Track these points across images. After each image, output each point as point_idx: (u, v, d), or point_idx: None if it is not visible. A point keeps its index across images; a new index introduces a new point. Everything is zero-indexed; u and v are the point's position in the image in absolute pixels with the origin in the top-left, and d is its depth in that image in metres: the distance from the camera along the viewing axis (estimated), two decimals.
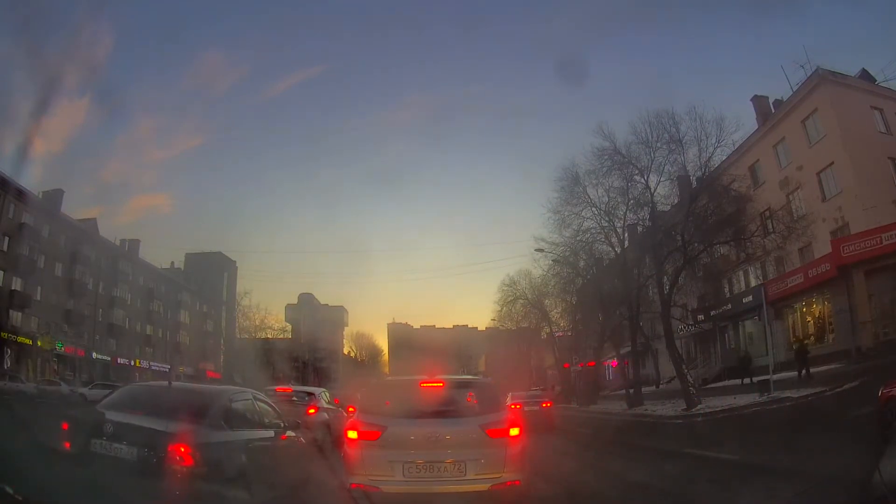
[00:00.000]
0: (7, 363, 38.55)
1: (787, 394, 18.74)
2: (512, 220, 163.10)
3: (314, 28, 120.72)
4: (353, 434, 6.19)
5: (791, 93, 30.08)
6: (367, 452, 5.99)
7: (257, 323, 66.02)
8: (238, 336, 69.50)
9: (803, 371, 21.47)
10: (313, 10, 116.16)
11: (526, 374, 53.86)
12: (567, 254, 31.52)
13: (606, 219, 26.89)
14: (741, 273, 32.55)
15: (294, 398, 13.17)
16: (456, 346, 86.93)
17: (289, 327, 77.78)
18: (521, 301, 45.77)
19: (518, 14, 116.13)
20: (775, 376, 20.82)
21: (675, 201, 25.63)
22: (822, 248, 26.88)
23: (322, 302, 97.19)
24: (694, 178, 23.94)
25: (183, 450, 5.16)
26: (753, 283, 31.47)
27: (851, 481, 5.72)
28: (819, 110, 28.09)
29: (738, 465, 9.43)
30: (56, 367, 45.00)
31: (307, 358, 68.69)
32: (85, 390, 30.88)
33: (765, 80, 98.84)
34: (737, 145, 27.14)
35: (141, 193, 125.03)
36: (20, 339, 41.32)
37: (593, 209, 26.83)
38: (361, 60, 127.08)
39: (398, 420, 6.19)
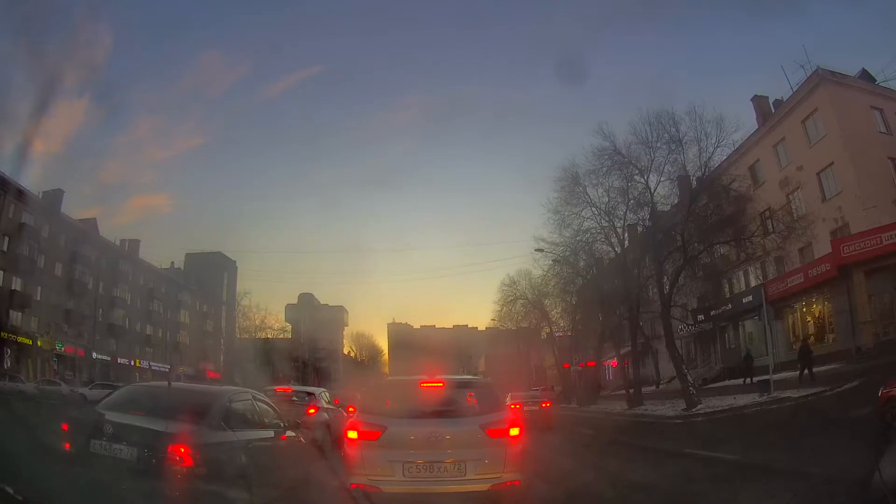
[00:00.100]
0: (7, 363, 38.55)
1: (788, 394, 18.75)
2: (512, 220, 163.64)
3: (313, 28, 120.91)
4: (353, 434, 6.19)
5: (791, 93, 30.13)
6: (367, 452, 5.99)
7: (257, 323, 66.19)
8: (238, 336, 69.55)
9: (805, 371, 21.42)
10: (313, 10, 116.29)
11: (526, 374, 53.83)
12: (567, 254, 31.53)
13: (606, 219, 26.93)
14: (741, 273, 32.56)
15: (294, 398, 13.17)
16: (456, 346, 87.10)
17: (289, 327, 77.91)
18: (521, 301, 45.84)
19: (518, 14, 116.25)
20: (777, 376, 20.83)
21: (675, 201, 25.64)
22: (822, 248, 26.88)
23: (322, 302, 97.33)
24: (694, 178, 23.94)
25: (183, 450, 5.16)
26: (753, 283, 31.48)
27: (851, 481, 5.72)
28: (819, 110, 28.10)
29: (738, 465, 9.42)
30: (56, 367, 44.98)
31: (307, 358, 68.80)
32: (85, 390, 30.87)
33: (765, 80, 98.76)
34: (737, 145, 27.18)
35: (141, 193, 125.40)
36: (20, 339, 41.33)
37: (593, 209, 26.87)
38: (361, 60, 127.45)
39: (398, 420, 6.20)
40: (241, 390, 7.77)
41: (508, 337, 54.77)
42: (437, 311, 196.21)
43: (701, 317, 36.30)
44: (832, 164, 27.35)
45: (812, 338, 27.08)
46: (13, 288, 41.59)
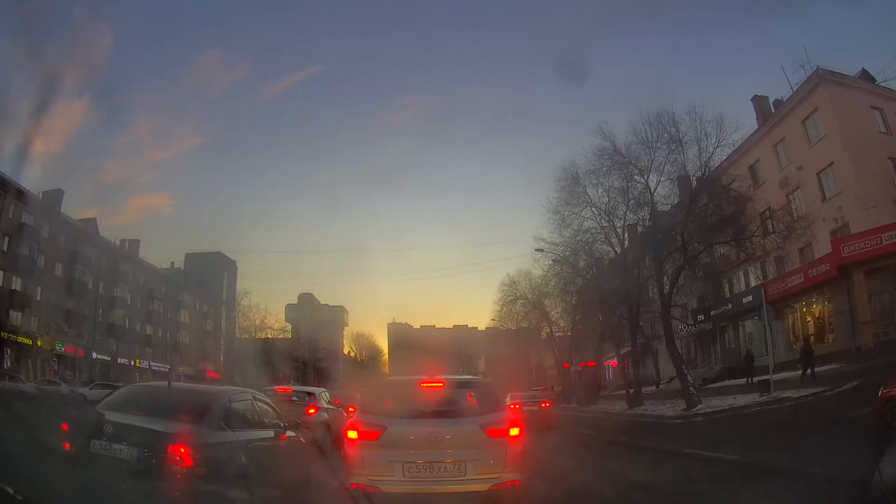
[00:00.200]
0: (7, 363, 38.55)
1: (788, 394, 18.75)
2: (512, 220, 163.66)
3: (313, 28, 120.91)
4: (353, 434, 6.19)
5: (791, 93, 30.13)
6: (367, 452, 5.99)
7: (257, 323, 66.19)
8: (238, 336, 69.55)
9: (808, 371, 21.40)
10: (313, 10, 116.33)
11: (526, 374, 53.84)
12: (567, 254, 31.53)
13: (606, 219, 26.94)
14: (741, 273, 32.56)
15: (294, 398, 13.16)
16: (456, 346, 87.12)
17: (289, 327, 77.92)
18: (521, 301, 45.85)
19: (518, 14, 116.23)
20: (777, 376, 20.84)
21: (675, 201, 25.64)
22: (822, 248, 26.89)
23: (322, 302, 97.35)
24: (694, 178, 23.94)
25: (183, 450, 5.16)
26: (753, 283, 31.48)
27: (851, 481, 5.72)
28: (819, 110, 28.10)
29: (738, 465, 9.42)
30: (56, 367, 44.98)
31: (307, 358, 68.79)
32: (85, 390, 30.87)
33: (765, 80, 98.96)
34: (737, 145, 27.18)
35: (141, 193, 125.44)
36: (20, 339, 41.32)
37: (593, 209, 26.87)
38: (361, 60, 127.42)
39: (398, 420, 6.20)
40: (241, 390, 7.76)
41: (508, 337, 54.77)
42: (437, 311, 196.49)
43: (701, 317, 36.31)
44: (832, 164, 27.36)
45: (812, 338, 27.10)
46: (13, 288, 41.58)
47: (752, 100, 33.82)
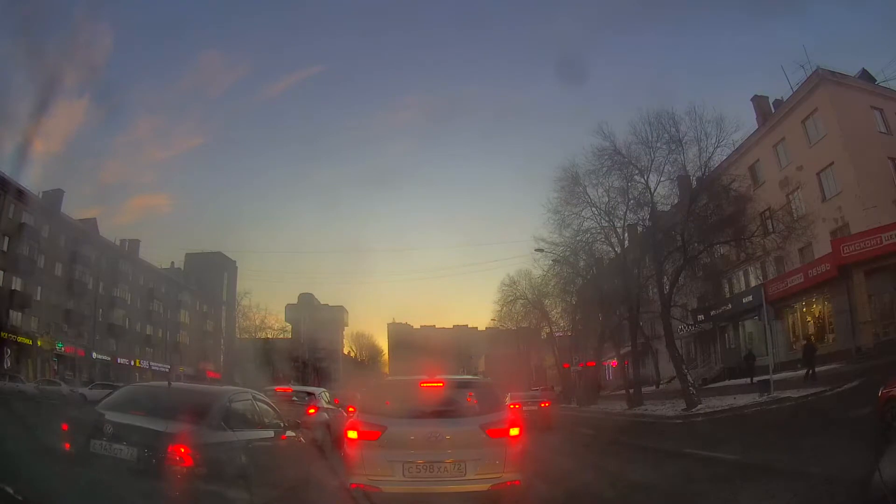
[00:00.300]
0: (7, 363, 38.54)
1: (788, 394, 18.74)
2: (512, 220, 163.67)
3: (313, 28, 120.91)
4: (353, 434, 6.19)
5: (791, 93, 30.13)
6: (367, 452, 5.99)
7: (257, 323, 66.19)
8: (238, 336, 69.55)
9: (810, 370, 21.39)
10: (313, 10, 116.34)
11: (526, 374, 53.84)
12: (567, 254, 31.53)
13: (606, 219, 26.93)
14: (741, 273, 32.56)
15: (294, 398, 13.16)
16: (456, 346, 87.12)
17: (289, 327, 77.92)
18: (521, 301, 45.85)
19: (518, 14, 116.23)
20: (777, 376, 20.84)
21: (675, 201, 25.64)
22: (822, 248, 26.88)
23: (322, 302, 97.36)
24: (694, 178, 23.94)
25: (183, 450, 5.16)
26: (753, 283, 31.47)
27: (851, 481, 5.72)
28: (819, 110, 28.10)
29: (738, 465, 9.42)
30: (56, 367, 44.99)
31: (307, 358, 68.79)
32: (85, 390, 30.87)
33: (765, 80, 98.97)
34: (737, 145, 27.18)
35: (141, 193, 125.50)
36: (20, 339, 41.32)
37: (593, 209, 26.87)
38: (361, 60, 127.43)
39: (398, 420, 6.20)
40: (241, 390, 7.77)
41: (508, 337, 54.77)
42: (437, 311, 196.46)
43: (701, 317, 36.31)
44: (832, 164, 27.35)
45: (812, 338, 27.09)
46: (13, 288, 41.58)
47: (752, 100, 33.83)
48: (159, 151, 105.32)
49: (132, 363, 57.10)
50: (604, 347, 38.57)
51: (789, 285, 28.61)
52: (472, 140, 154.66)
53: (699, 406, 21.11)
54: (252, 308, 67.37)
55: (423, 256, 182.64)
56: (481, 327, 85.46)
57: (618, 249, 27.80)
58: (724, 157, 25.75)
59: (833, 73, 28.04)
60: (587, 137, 50.29)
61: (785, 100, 30.98)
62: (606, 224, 27.15)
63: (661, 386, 37.30)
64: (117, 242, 58.72)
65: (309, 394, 13.99)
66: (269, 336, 66.55)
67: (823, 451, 8.89)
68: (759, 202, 25.84)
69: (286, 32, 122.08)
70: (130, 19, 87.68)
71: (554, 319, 44.71)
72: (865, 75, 29.68)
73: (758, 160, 32.65)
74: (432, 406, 6.38)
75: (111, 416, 5.64)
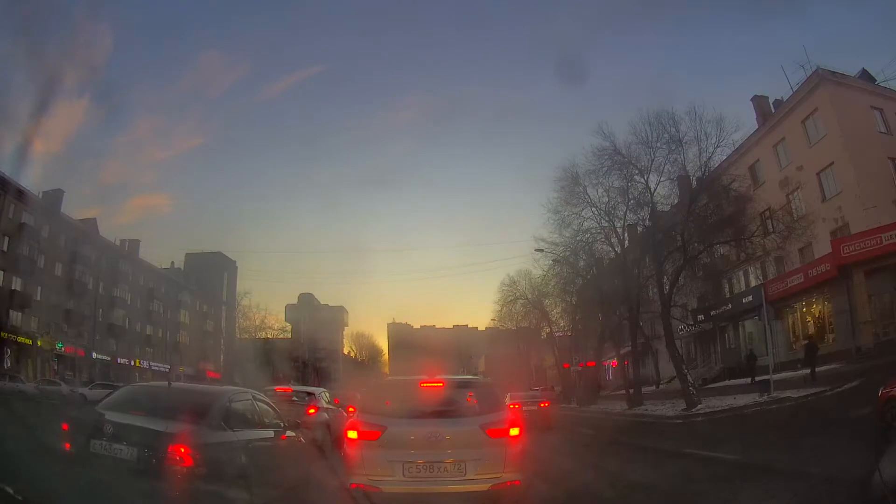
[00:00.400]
0: (7, 363, 38.54)
1: (788, 394, 18.74)
2: (512, 220, 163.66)
3: (313, 28, 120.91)
4: (353, 434, 6.19)
5: (791, 93, 30.12)
6: (367, 452, 5.99)
7: (257, 323, 66.20)
8: (238, 336, 69.55)
9: (814, 368, 21.36)
10: (313, 10, 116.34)
11: (526, 374, 53.83)
12: (567, 254, 31.54)
13: (606, 219, 26.94)
14: (741, 273, 32.56)
15: (294, 398, 13.16)
16: (456, 346, 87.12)
17: (289, 327, 77.92)
18: (521, 301, 45.86)
19: (518, 14, 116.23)
20: (777, 376, 20.84)
21: (675, 201, 25.64)
22: (822, 248, 26.88)
23: (322, 302, 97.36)
24: (694, 178, 23.95)
25: (183, 450, 5.16)
26: (753, 283, 31.47)
27: (851, 481, 5.72)
28: (819, 110, 28.09)
29: (738, 465, 9.42)
30: (56, 367, 44.98)
31: (307, 358, 68.79)
32: (85, 390, 30.87)
33: (765, 80, 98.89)
34: (737, 145, 27.18)
35: (141, 193, 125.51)
36: (20, 339, 41.32)
37: (593, 209, 26.88)
38: (361, 60, 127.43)
39: (398, 420, 6.20)
40: (241, 390, 7.77)
41: (508, 337, 54.76)
42: (437, 311, 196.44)
43: (701, 317, 36.30)
44: (832, 164, 27.35)
45: (812, 337, 27.07)
46: (13, 288, 41.58)
47: (752, 100, 33.83)
48: (159, 151, 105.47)
49: (132, 363, 57.09)
50: (604, 347, 38.57)
51: (789, 285, 28.61)
52: (472, 140, 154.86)
53: (699, 406, 21.10)
54: (252, 308, 67.52)
55: (423, 256, 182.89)
56: (481, 327, 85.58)
57: (618, 249, 27.80)
58: (724, 157, 25.77)
59: (833, 73, 28.04)
60: (587, 137, 50.33)
61: (785, 100, 30.98)
62: (606, 224, 27.21)
63: (661, 386, 37.30)
64: (117, 242, 58.74)
65: (309, 394, 13.99)
66: (269, 336, 66.57)
67: (823, 451, 8.88)
68: (759, 202, 25.84)
69: (286, 32, 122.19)
70: (130, 19, 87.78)
71: (554, 319, 44.74)
72: (865, 75, 29.67)
73: (758, 160, 32.65)
74: (432, 406, 6.38)
75: (111, 416, 5.64)
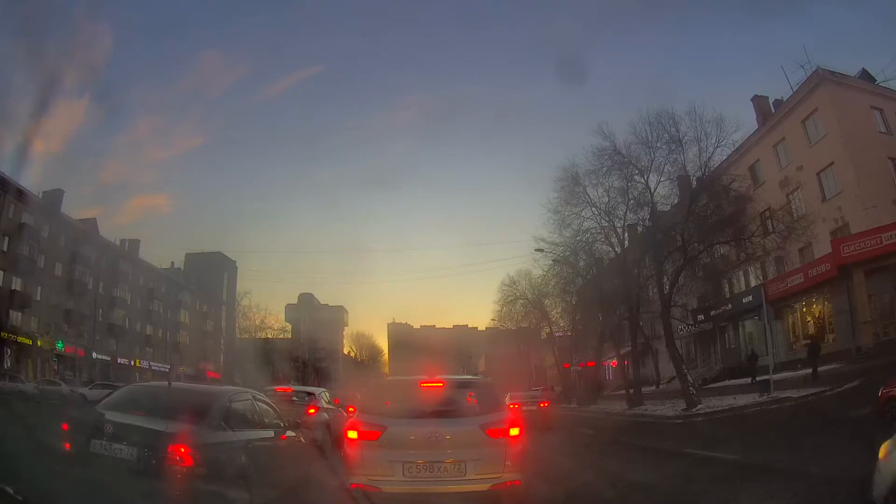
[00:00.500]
0: (7, 363, 38.54)
1: (788, 394, 18.75)
2: (512, 220, 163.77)
3: (313, 28, 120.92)
4: (353, 434, 6.19)
5: (791, 93, 30.13)
6: (367, 452, 5.99)
7: (257, 323, 66.20)
8: (238, 336, 69.55)
9: (816, 368, 21.36)
10: (313, 10, 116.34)
11: (526, 374, 53.83)
12: (567, 254, 31.54)
13: (606, 219, 26.94)
14: (741, 273, 32.56)
15: (294, 398, 13.16)
16: (456, 346, 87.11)
17: (289, 327, 77.91)
18: (521, 301, 45.85)
19: (518, 14, 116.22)
20: (777, 376, 20.84)
21: (675, 201, 25.64)
22: (822, 248, 26.88)
23: (322, 302, 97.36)
24: (694, 178, 23.95)
25: (183, 450, 5.16)
26: (753, 283, 31.47)
27: (851, 481, 5.72)
28: (819, 110, 28.09)
29: (738, 465, 9.42)
30: (56, 367, 44.98)
31: (307, 358, 68.77)
32: (85, 390, 30.86)
33: (765, 80, 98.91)
34: (737, 145, 27.18)
35: (141, 193, 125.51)
36: (20, 339, 41.32)
37: (593, 209, 26.88)
38: (361, 60, 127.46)
39: (398, 420, 6.20)
40: (241, 390, 7.76)
41: (508, 337, 54.76)
42: (437, 311, 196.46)
43: (701, 317, 36.30)
44: (832, 164, 27.35)
45: (813, 337, 27.07)
46: (13, 288, 41.57)
47: (752, 100, 33.83)
48: (159, 151, 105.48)
49: (132, 363, 57.09)
50: (604, 347, 38.56)
51: (789, 285, 28.61)
52: (472, 140, 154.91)
53: (699, 406, 21.10)
54: (252, 308, 67.52)
55: (423, 256, 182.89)
56: (481, 327, 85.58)
57: (618, 249, 27.80)
58: (724, 157, 25.77)
59: (833, 73, 28.04)
60: (587, 137, 50.36)
61: (785, 100, 30.98)
62: (606, 224, 27.21)
63: (661, 386, 37.29)
64: (117, 242, 58.73)
65: (309, 394, 13.98)
66: (269, 336, 66.57)
67: (823, 451, 8.89)
68: (759, 202, 25.84)
69: (286, 32, 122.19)
70: (130, 19, 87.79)
71: (554, 319, 44.73)
72: (865, 75, 29.67)
73: (758, 160, 32.65)
74: (432, 406, 6.38)
75: (111, 415, 5.64)
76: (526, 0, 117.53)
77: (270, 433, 7.00)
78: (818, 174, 28.33)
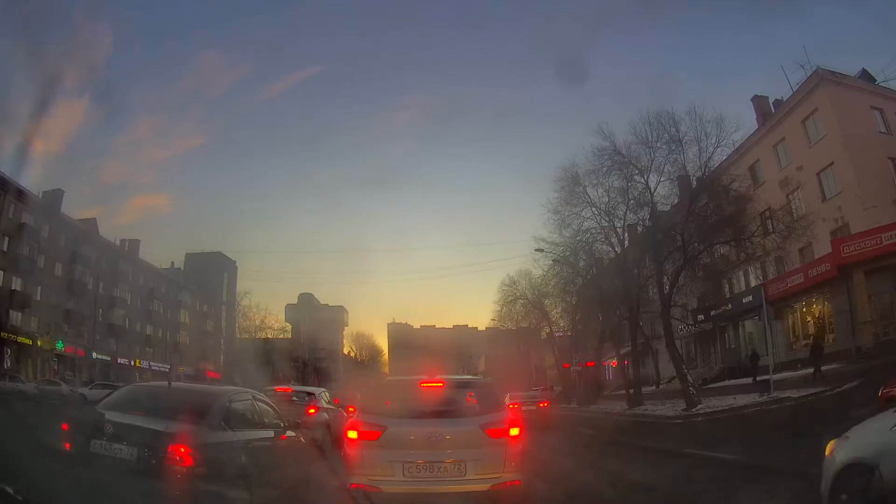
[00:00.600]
0: (7, 363, 38.54)
1: (788, 394, 18.75)
2: (512, 220, 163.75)
3: (313, 28, 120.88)
4: (353, 434, 6.19)
5: (791, 93, 30.11)
6: (367, 452, 5.99)
7: (257, 323, 66.18)
8: (238, 336, 69.54)
9: (819, 368, 21.34)
10: (313, 10, 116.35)
11: (526, 374, 53.82)
12: (567, 254, 31.55)
13: (606, 219, 26.96)
14: (741, 273, 32.56)
15: (294, 398, 13.16)
16: (456, 346, 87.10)
17: (289, 327, 77.91)
18: (521, 301, 45.85)
19: (518, 14, 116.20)
20: (777, 376, 20.84)
21: (675, 201, 25.65)
22: (822, 248, 26.88)
23: (322, 302, 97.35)
24: (694, 178, 23.96)
25: (183, 450, 5.16)
26: (753, 283, 31.47)
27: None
28: (819, 110, 28.09)
29: (738, 465, 9.42)
30: (56, 367, 44.98)
31: (307, 358, 68.76)
32: (85, 390, 30.86)
33: (765, 80, 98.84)
34: (737, 145, 27.19)
35: (141, 193, 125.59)
36: (20, 339, 41.31)
37: (593, 209, 26.90)
38: (361, 60, 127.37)
39: (398, 420, 6.20)
40: (241, 390, 7.76)
41: (508, 337, 54.76)
42: (437, 311, 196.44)
43: (701, 317, 36.30)
44: (832, 164, 27.35)
45: (811, 338, 27.08)
46: (13, 288, 41.57)
47: (752, 100, 33.82)
48: (159, 151, 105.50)
49: (132, 363, 57.09)
50: (604, 347, 38.57)
51: (789, 285, 28.61)
52: (472, 140, 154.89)
53: (699, 406, 21.11)
54: (252, 308, 67.48)
55: (423, 256, 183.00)
56: (481, 327, 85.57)
57: (618, 249, 27.81)
58: (724, 157, 25.78)
59: (833, 73, 28.03)
60: (587, 137, 50.35)
61: (785, 100, 30.97)
62: (606, 224, 27.23)
63: (661, 386, 37.28)
64: (117, 242, 58.73)
65: (309, 394, 13.98)
66: (269, 336, 66.55)
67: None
68: (759, 202, 25.85)
69: (286, 32, 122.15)
70: (130, 19, 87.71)
71: (554, 319, 44.73)
72: (865, 75, 29.67)
73: (758, 160, 32.64)
74: (432, 406, 6.39)
75: (111, 415, 5.64)
76: (526, 0, 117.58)
77: (270, 433, 7.00)
78: (818, 174, 28.32)
